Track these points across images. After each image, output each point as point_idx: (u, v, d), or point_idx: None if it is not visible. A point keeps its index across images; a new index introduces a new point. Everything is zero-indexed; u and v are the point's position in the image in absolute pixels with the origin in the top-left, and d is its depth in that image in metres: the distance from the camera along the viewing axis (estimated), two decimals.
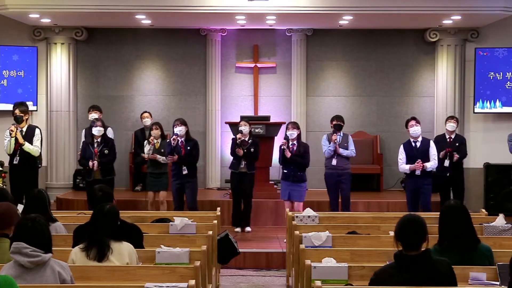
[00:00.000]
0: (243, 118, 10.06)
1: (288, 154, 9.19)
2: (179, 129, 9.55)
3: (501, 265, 4.85)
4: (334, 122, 9.68)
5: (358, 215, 7.84)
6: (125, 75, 12.48)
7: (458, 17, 10.88)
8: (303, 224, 6.99)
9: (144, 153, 9.98)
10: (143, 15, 10.94)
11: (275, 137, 10.94)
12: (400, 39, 12.35)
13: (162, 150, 9.79)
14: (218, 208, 8.07)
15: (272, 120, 11.14)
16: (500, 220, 6.67)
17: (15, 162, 9.31)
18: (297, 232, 6.32)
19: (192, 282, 4.48)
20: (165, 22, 11.72)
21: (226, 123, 11.43)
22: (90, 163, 9.37)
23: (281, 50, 12.47)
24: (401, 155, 9.32)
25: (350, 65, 12.48)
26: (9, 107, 11.60)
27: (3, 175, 10.67)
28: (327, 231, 6.29)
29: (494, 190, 11.25)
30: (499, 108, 11.86)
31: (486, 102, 11.85)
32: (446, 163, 9.76)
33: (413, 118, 9.43)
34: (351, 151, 9.61)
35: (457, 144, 9.97)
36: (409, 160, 9.21)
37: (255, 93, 12.44)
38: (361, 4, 10.39)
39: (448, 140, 9.99)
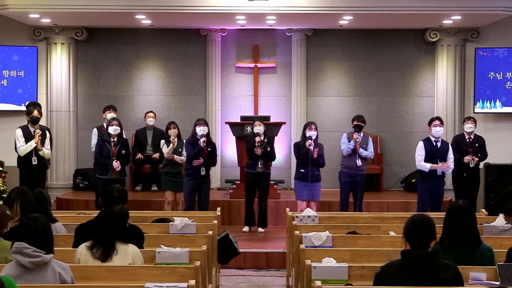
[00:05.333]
0: (244, 118, 10.05)
1: (315, 155, 9.24)
2: (203, 129, 9.49)
3: (501, 265, 4.85)
4: (355, 122, 9.65)
5: (358, 215, 7.84)
6: (125, 75, 12.48)
7: (458, 17, 10.88)
8: (303, 224, 6.99)
9: (165, 153, 9.81)
10: (143, 15, 10.94)
11: (275, 137, 10.94)
12: (400, 39, 12.35)
13: (180, 150, 9.71)
14: (218, 208, 8.08)
15: (272, 120, 11.13)
16: (500, 220, 6.67)
17: (34, 162, 9.26)
18: (297, 232, 6.32)
19: (192, 282, 4.48)
20: (165, 22, 11.72)
21: (226, 123, 11.44)
22: (115, 164, 9.36)
23: (281, 50, 12.46)
24: (421, 152, 9.21)
25: (350, 65, 12.48)
26: (9, 107, 11.69)
27: (3, 175, 10.67)
28: (327, 231, 6.29)
29: (494, 190, 11.26)
30: (499, 108, 11.86)
31: (486, 102, 11.85)
32: (472, 164, 9.78)
33: (438, 118, 9.36)
34: (370, 152, 9.60)
35: (476, 144, 9.98)
36: (428, 159, 9.16)
37: (255, 93, 12.44)
38: (361, 4, 10.39)
39: (468, 140, 9.99)
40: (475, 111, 11.91)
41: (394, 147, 12.31)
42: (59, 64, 12.12)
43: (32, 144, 9.19)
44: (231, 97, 12.51)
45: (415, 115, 12.36)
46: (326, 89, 12.50)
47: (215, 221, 7.00)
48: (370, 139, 9.78)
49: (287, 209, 8.30)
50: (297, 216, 7.23)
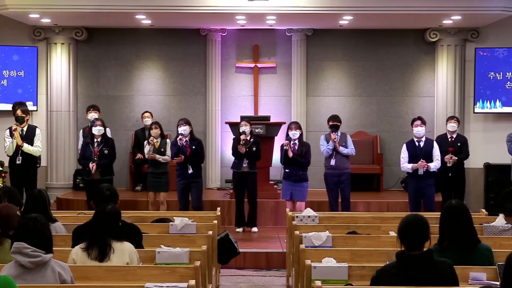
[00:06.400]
0: (243, 118, 10.06)
1: (290, 154, 9.20)
2: (184, 129, 9.53)
3: (501, 265, 4.84)
4: (330, 123, 9.68)
5: (358, 215, 7.84)
6: (125, 75, 12.48)
7: (458, 17, 10.88)
8: (303, 224, 6.99)
9: (144, 153, 9.94)
10: (143, 15, 10.94)
11: (275, 137, 10.95)
12: (400, 39, 12.35)
13: (162, 150, 9.77)
14: (218, 208, 8.07)
15: (272, 120, 11.14)
16: (500, 220, 6.67)
17: (18, 162, 9.29)
18: (297, 232, 6.32)
19: (192, 282, 4.48)
20: (165, 22, 11.72)
21: (226, 123, 11.44)
22: (90, 165, 9.35)
23: (281, 50, 12.46)
24: (404, 154, 9.27)
25: (350, 65, 12.48)
26: (9, 107, 11.65)
27: (3, 175, 10.67)
28: (327, 231, 6.29)
29: (494, 190, 11.26)
30: (499, 108, 11.86)
31: (486, 102, 11.85)
32: (449, 163, 9.77)
33: (419, 118, 9.38)
34: (351, 149, 9.61)
35: (458, 144, 9.97)
36: (412, 160, 9.18)
37: (255, 93, 12.44)
38: (361, 4, 10.39)
39: (449, 140, 9.97)
40: (475, 111, 11.91)
41: (394, 147, 12.29)
42: (59, 64, 12.12)
43: (13, 141, 9.20)
44: (231, 97, 12.51)
45: (415, 115, 12.27)
46: (326, 89, 12.50)
47: (215, 221, 7.00)
48: (349, 136, 9.79)
49: (287, 209, 8.31)
50: (297, 216, 7.23)
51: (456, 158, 9.68)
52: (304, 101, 12.35)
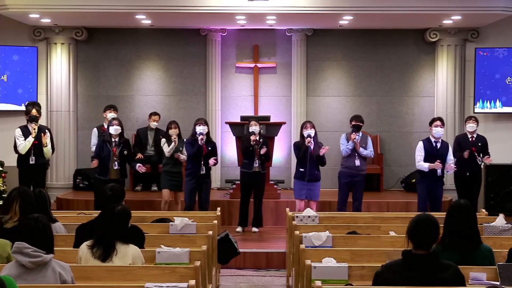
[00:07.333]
0: (244, 118, 10.04)
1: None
2: (203, 128, 9.49)
3: (501, 265, 4.85)
4: (353, 123, 9.67)
5: (358, 215, 7.84)
6: (125, 75, 12.48)
7: (458, 17, 10.89)
8: (303, 224, 6.99)
9: (166, 151, 9.76)
10: (143, 15, 10.94)
11: (275, 137, 10.94)
12: (400, 39, 12.35)
13: (181, 149, 9.72)
14: (218, 208, 8.08)
15: (272, 120, 11.14)
16: (500, 220, 6.68)
17: (31, 162, 9.31)
18: (297, 232, 6.32)
19: (192, 282, 4.48)
20: (165, 22, 11.73)
21: (226, 123, 11.44)
22: (141, 169, 9.62)
23: (281, 50, 12.46)
24: (420, 152, 9.26)
25: (350, 65, 12.48)
26: (9, 107, 11.69)
27: (3, 175, 10.68)
28: (327, 231, 6.29)
29: (494, 190, 11.25)
30: (499, 108, 11.87)
31: (486, 102, 11.86)
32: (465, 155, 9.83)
33: (439, 119, 9.42)
34: (370, 151, 9.62)
35: (479, 144, 10.00)
36: (427, 159, 9.18)
37: (255, 93, 12.44)
38: (361, 4, 10.39)
39: (470, 139, 10.02)
40: (475, 111, 11.90)
41: (394, 147, 12.32)
42: (59, 64, 12.12)
43: (30, 140, 9.22)
44: (231, 97, 12.51)
45: (415, 115, 12.37)
46: (326, 89, 12.50)
47: (215, 221, 7.00)
48: (369, 138, 9.79)
49: (287, 209, 8.30)
50: (297, 216, 7.23)
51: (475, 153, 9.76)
52: (304, 101, 12.35)
